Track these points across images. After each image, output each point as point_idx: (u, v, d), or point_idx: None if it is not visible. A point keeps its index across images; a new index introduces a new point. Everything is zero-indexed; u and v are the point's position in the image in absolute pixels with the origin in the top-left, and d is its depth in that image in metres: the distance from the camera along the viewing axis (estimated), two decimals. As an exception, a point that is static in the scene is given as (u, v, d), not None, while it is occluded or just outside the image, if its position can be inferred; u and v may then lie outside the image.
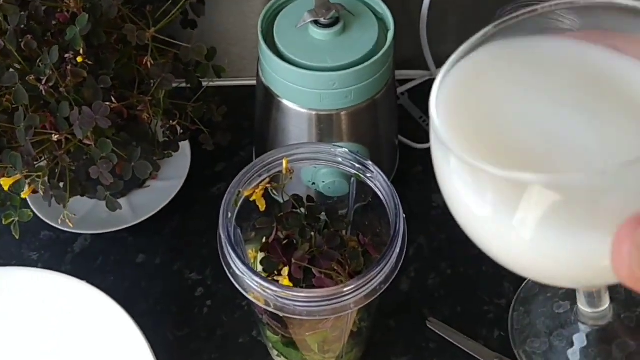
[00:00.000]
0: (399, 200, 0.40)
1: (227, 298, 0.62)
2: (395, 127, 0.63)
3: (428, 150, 0.73)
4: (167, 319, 0.61)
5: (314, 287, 0.43)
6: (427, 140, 0.74)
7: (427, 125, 0.76)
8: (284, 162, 0.43)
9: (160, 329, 0.60)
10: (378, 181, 0.42)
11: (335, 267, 0.45)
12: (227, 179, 0.71)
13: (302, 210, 0.46)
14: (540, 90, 0.28)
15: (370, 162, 0.42)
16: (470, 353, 0.58)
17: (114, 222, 0.65)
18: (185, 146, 0.70)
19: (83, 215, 0.65)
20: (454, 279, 0.63)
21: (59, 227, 0.64)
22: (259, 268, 0.46)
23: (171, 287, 0.63)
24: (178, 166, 0.69)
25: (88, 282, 0.58)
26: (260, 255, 0.45)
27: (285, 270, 0.44)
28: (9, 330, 0.56)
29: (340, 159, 0.43)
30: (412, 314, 0.60)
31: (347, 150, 0.43)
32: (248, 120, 0.75)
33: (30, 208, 0.65)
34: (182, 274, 0.64)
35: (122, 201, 0.67)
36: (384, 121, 0.60)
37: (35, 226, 0.67)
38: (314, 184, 0.54)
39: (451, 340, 0.59)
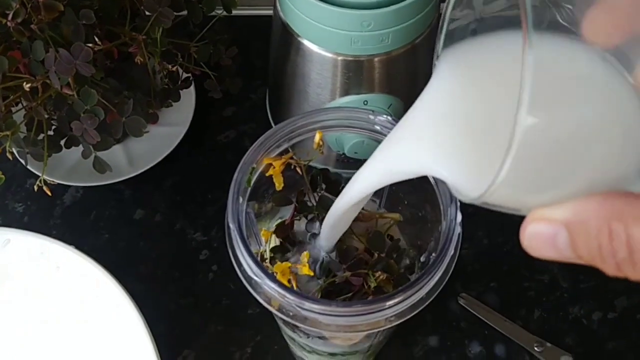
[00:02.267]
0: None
1: (235, 263, 0.54)
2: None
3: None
4: (168, 286, 0.53)
5: (333, 282, 0.35)
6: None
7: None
8: (317, 135, 0.33)
9: (161, 297, 0.53)
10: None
11: (362, 256, 0.36)
12: (237, 125, 0.62)
13: (320, 191, 0.37)
14: None
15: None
16: (507, 335, 0.51)
17: (108, 174, 0.56)
18: (189, 87, 0.60)
19: (73, 165, 0.57)
20: (491, 250, 0.55)
21: (47, 177, 0.55)
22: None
23: (173, 248, 0.55)
24: (181, 110, 0.59)
25: (79, 240, 0.50)
26: (274, 241, 0.37)
27: (305, 256, 0.35)
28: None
29: (378, 128, 0.34)
30: (443, 288, 0.53)
31: (388, 117, 0.33)
32: (261, 58, 0.64)
33: (13, 155, 0.57)
34: (185, 234, 0.56)
35: (117, 149, 0.58)
36: (423, 71, 0.50)
37: (21, 174, 0.58)
38: (341, 148, 0.44)
39: (485, 320, 0.52)
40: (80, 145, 0.55)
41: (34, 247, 0.47)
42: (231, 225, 0.31)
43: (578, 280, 0.53)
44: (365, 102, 0.46)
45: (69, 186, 0.57)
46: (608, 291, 0.53)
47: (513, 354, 0.51)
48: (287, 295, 0.29)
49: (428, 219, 0.37)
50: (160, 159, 0.57)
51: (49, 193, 0.42)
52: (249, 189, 0.33)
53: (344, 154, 0.47)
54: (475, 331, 0.52)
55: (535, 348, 0.50)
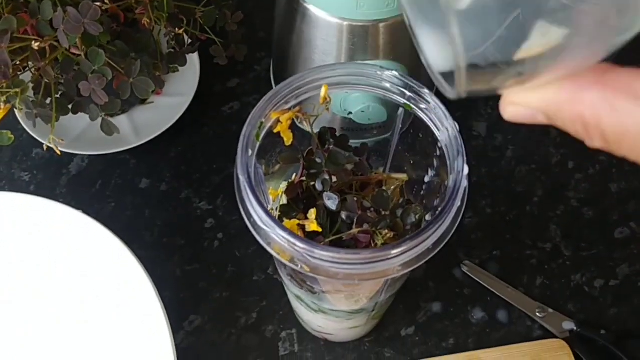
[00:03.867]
0: (463, 145, 0.32)
1: (241, 231, 0.55)
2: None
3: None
4: (173, 253, 0.54)
5: (340, 238, 0.35)
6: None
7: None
8: (324, 89, 0.34)
9: (166, 263, 0.53)
10: (436, 116, 0.33)
11: (370, 215, 0.37)
12: (241, 96, 0.62)
13: (330, 147, 0.37)
14: None
15: (426, 90, 0.33)
16: (509, 301, 0.52)
17: (114, 142, 0.56)
18: (193, 58, 0.60)
19: (79, 134, 0.57)
20: (494, 219, 0.55)
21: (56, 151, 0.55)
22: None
23: (178, 217, 0.56)
24: (186, 81, 0.59)
25: (85, 208, 0.50)
26: (282, 200, 0.37)
27: (313, 213, 0.36)
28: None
29: (388, 85, 0.34)
30: (445, 256, 0.53)
31: (396, 73, 0.33)
32: (264, 30, 0.65)
33: (19, 124, 0.57)
34: (191, 203, 0.56)
35: (122, 119, 0.58)
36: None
37: (27, 143, 0.58)
38: (347, 111, 0.45)
39: (487, 287, 0.52)
40: (87, 114, 0.55)
41: (42, 210, 0.48)
42: (241, 177, 0.31)
43: (580, 249, 0.54)
44: (371, 69, 0.47)
45: (75, 155, 0.58)
46: (610, 259, 0.54)
47: (515, 320, 0.51)
48: (298, 243, 0.30)
49: (433, 180, 0.37)
50: (165, 129, 0.57)
51: (59, 152, 0.42)
52: (258, 144, 0.34)
53: (349, 119, 0.47)
54: (477, 298, 0.52)
55: (537, 314, 0.51)
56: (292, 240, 0.30)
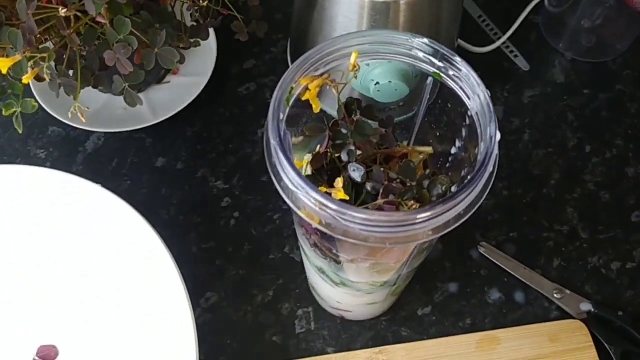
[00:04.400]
0: (494, 112, 0.32)
1: (257, 210, 0.55)
2: (457, 25, 0.53)
3: (487, 54, 0.64)
4: (189, 231, 0.54)
5: (366, 208, 0.35)
6: (487, 43, 0.65)
7: (487, 25, 0.66)
8: (353, 55, 0.34)
9: (183, 241, 0.53)
10: (467, 84, 0.33)
11: (396, 186, 0.37)
12: (257, 77, 0.62)
13: (355, 116, 0.37)
14: None
15: (458, 58, 0.33)
16: (526, 282, 0.52)
17: (130, 120, 0.56)
18: (210, 38, 0.60)
19: (95, 111, 0.57)
20: (511, 200, 0.55)
21: (69, 123, 0.55)
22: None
23: (194, 195, 0.56)
24: (202, 60, 0.59)
25: (102, 185, 0.50)
26: (307, 170, 0.37)
27: (340, 181, 0.36)
28: (11, 233, 0.49)
29: (418, 52, 0.34)
30: (462, 237, 0.53)
31: (426, 40, 0.33)
32: (281, 12, 0.65)
33: (36, 100, 0.57)
34: (207, 182, 0.56)
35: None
36: (447, 16, 0.50)
37: (43, 120, 0.58)
38: (368, 88, 0.45)
39: (504, 267, 0.52)
40: (104, 90, 0.55)
41: (62, 184, 0.48)
42: (272, 140, 0.31)
43: (597, 231, 0.54)
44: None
45: (91, 133, 0.57)
46: (627, 242, 0.54)
47: (532, 300, 0.51)
48: (330, 204, 0.30)
49: (460, 152, 0.37)
50: (181, 108, 0.57)
51: (83, 119, 0.42)
52: (287, 109, 0.34)
53: (369, 97, 0.47)
54: (494, 278, 0.52)
55: (555, 294, 0.51)
56: (325, 201, 0.30)
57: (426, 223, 0.30)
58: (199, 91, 0.58)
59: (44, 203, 0.48)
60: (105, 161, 0.57)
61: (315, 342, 0.49)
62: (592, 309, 0.50)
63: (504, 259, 0.53)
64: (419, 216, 0.30)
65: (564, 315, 0.50)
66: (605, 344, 0.49)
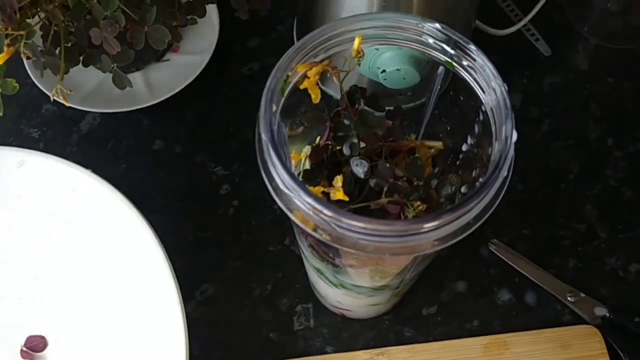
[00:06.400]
0: (511, 109, 0.28)
1: (257, 199, 0.52)
2: (475, 5, 0.49)
3: (506, 37, 0.60)
4: (186, 218, 0.51)
5: (367, 207, 0.32)
6: (506, 25, 0.61)
7: (508, 6, 0.61)
8: (357, 40, 0.30)
9: (179, 229, 0.50)
10: (482, 76, 0.29)
11: (402, 184, 0.33)
12: (261, 57, 0.58)
13: (358, 106, 0.34)
14: None
15: (473, 46, 0.29)
16: (538, 283, 0.48)
17: (127, 101, 0.53)
18: (212, 14, 0.56)
19: (91, 90, 0.54)
20: (525, 195, 0.52)
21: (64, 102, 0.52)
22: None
23: (193, 181, 0.53)
24: (204, 38, 0.56)
25: (96, 168, 0.47)
26: (305, 164, 0.34)
27: (339, 180, 0.32)
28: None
29: (429, 39, 0.30)
30: (472, 234, 0.50)
31: (439, 25, 0.30)
32: (288, -13, 0.61)
33: (29, 77, 0.54)
34: (206, 167, 0.53)
35: (136, 76, 0.54)
36: (465, -5, 0.46)
37: (37, 99, 0.55)
38: (377, 73, 0.41)
39: (516, 267, 0.49)
40: (97, 67, 0.52)
41: (49, 168, 0.45)
42: (263, 135, 0.28)
43: (616, 231, 0.50)
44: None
45: (87, 113, 0.54)
46: (647, 243, 0.50)
47: (544, 303, 0.48)
48: (324, 210, 0.26)
49: (472, 149, 0.34)
50: (180, 88, 0.54)
51: (66, 103, 0.39)
52: (282, 100, 0.30)
53: (378, 84, 0.44)
54: (505, 278, 0.49)
55: (569, 298, 0.48)
56: (318, 206, 0.27)
57: (432, 233, 0.27)
58: (199, 71, 0.54)
59: (31, 188, 0.45)
60: (100, 142, 0.54)
61: (314, 340, 0.47)
62: (608, 314, 0.47)
63: (516, 257, 0.49)
64: (424, 226, 0.26)
65: (578, 320, 0.47)
66: (620, 352, 0.45)
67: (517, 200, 0.51)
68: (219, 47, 0.55)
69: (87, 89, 0.53)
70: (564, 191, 0.52)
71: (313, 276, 0.42)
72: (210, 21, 0.55)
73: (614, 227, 0.50)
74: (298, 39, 0.55)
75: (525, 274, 0.49)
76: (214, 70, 0.55)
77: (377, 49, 0.40)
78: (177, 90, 0.53)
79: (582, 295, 0.48)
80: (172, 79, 0.54)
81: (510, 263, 0.49)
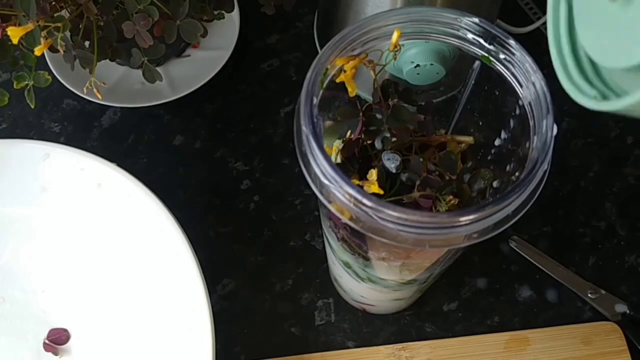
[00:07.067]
0: (551, 103, 0.28)
1: (278, 194, 0.52)
2: (498, 3, 0.49)
3: (526, 35, 0.60)
4: (207, 213, 0.51)
5: (400, 200, 0.32)
6: (525, 23, 0.61)
7: (527, 4, 0.61)
8: (395, 33, 0.30)
9: (200, 223, 0.50)
10: (521, 70, 0.29)
11: (432, 177, 0.33)
12: (281, 53, 0.58)
13: (392, 100, 0.34)
14: None
15: (512, 41, 0.29)
16: (559, 280, 0.48)
17: (148, 96, 0.53)
18: (233, 10, 0.56)
19: (112, 85, 0.54)
20: (545, 193, 0.51)
21: (85, 97, 0.52)
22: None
23: (213, 176, 0.53)
24: (224, 34, 0.56)
25: (117, 163, 0.47)
26: (337, 159, 0.34)
27: (374, 173, 0.32)
28: (19, 211, 0.46)
29: (467, 34, 0.30)
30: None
31: (477, 20, 0.30)
32: (308, -16, 0.61)
33: (51, 72, 0.54)
34: (226, 163, 0.53)
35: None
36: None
37: (58, 94, 0.55)
38: (403, 70, 0.41)
39: (537, 264, 0.49)
40: (122, 63, 0.52)
41: (74, 162, 0.45)
42: (304, 127, 0.28)
43: (636, 229, 0.50)
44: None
45: (107, 108, 0.54)
46: (667, 241, 0.50)
47: (565, 300, 0.48)
48: (365, 201, 0.26)
49: (506, 143, 0.34)
50: (201, 84, 0.54)
51: (100, 96, 0.39)
52: (321, 92, 0.30)
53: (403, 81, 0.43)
54: (525, 275, 0.49)
55: (589, 295, 0.48)
56: (359, 197, 0.27)
57: (472, 226, 0.27)
58: (220, 67, 0.54)
59: (55, 182, 0.45)
60: (121, 137, 0.54)
61: (336, 335, 0.47)
62: (628, 311, 0.47)
63: (537, 254, 0.49)
64: (465, 218, 0.26)
65: (598, 316, 0.47)
66: (641, 349, 0.46)
67: (538, 198, 0.51)
68: (239, 43, 0.55)
69: (108, 83, 0.53)
70: (584, 189, 0.52)
71: (338, 270, 0.42)
72: (231, 17, 0.55)
73: (634, 225, 0.50)
74: (318, 35, 0.56)
75: (546, 271, 0.49)
76: (234, 66, 0.56)
77: (402, 45, 0.40)
78: (197, 85, 0.53)
79: (603, 292, 0.48)
80: (192, 75, 0.54)
81: (531, 260, 0.49)
